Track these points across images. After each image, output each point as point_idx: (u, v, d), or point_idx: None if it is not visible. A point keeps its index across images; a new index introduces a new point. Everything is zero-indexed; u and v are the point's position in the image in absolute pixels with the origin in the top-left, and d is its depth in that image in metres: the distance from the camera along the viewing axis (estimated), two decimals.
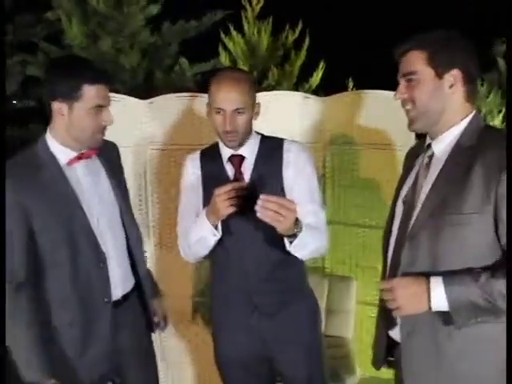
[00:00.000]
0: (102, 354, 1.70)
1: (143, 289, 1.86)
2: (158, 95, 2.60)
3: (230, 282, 1.81)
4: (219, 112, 1.69)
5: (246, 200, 1.62)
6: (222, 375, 1.92)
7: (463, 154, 1.39)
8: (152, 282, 1.98)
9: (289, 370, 1.83)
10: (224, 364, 1.88)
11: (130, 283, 1.81)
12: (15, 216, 1.57)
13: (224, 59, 3.92)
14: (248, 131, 1.76)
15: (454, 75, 1.41)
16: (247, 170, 1.78)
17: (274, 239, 1.71)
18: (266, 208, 1.51)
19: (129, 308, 1.79)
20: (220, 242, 1.75)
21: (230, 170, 1.79)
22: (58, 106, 1.60)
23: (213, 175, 1.79)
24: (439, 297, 1.32)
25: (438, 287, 1.32)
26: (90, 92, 1.58)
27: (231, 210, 1.60)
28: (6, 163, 1.57)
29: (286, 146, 1.81)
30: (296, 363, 1.81)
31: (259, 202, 1.50)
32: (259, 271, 1.76)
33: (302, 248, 1.66)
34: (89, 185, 1.70)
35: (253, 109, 1.75)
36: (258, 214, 1.52)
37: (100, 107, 1.62)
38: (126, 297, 1.79)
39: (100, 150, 1.75)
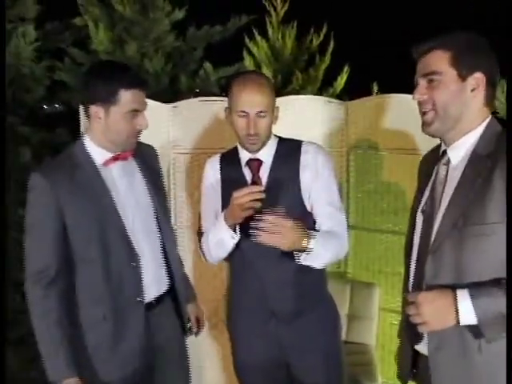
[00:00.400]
0: (133, 350, 1.71)
1: (177, 292, 1.86)
2: (182, 99, 2.62)
3: (247, 287, 1.80)
4: (242, 115, 1.69)
5: (263, 203, 1.63)
6: (239, 380, 1.92)
7: (482, 162, 1.34)
8: (187, 286, 1.98)
9: (307, 377, 1.81)
10: (242, 369, 1.88)
11: (163, 285, 1.82)
12: (50, 212, 1.61)
13: (248, 64, 3.92)
14: (268, 135, 1.76)
15: (477, 78, 1.37)
16: (265, 173, 1.78)
17: None
18: (260, 230, 1.54)
19: (162, 310, 1.80)
20: (238, 245, 1.75)
21: (248, 174, 1.79)
22: (95, 110, 1.64)
23: (231, 179, 1.80)
24: (467, 310, 1.27)
25: (464, 300, 1.27)
26: (126, 97, 1.62)
27: (248, 213, 1.61)
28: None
29: (303, 148, 1.80)
30: (314, 370, 1.79)
31: (253, 225, 1.55)
32: (276, 276, 1.75)
33: (315, 259, 1.66)
34: (124, 186, 1.73)
35: (273, 112, 1.75)
36: (256, 239, 1.56)
37: (135, 111, 1.66)
38: (159, 299, 1.79)
39: (137, 152, 1.79)
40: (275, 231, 1.55)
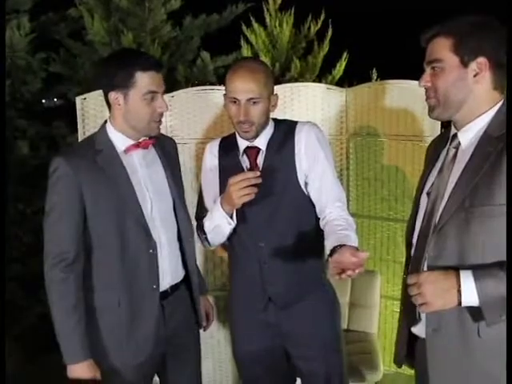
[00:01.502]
0: (147, 338, 1.72)
1: (191, 282, 1.87)
2: (179, 89, 2.60)
3: (245, 273, 1.80)
4: (234, 102, 1.68)
5: (260, 190, 1.62)
6: (239, 370, 1.91)
7: (492, 144, 1.33)
8: (199, 278, 1.97)
9: (306, 364, 1.80)
10: (242, 358, 1.87)
11: (179, 274, 1.83)
12: (72, 197, 1.62)
13: (246, 52, 3.89)
14: (263, 122, 1.74)
15: (479, 63, 1.35)
16: (261, 161, 1.76)
17: (289, 229, 1.69)
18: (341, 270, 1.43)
19: (177, 299, 1.81)
20: (235, 230, 1.75)
21: (245, 161, 1.78)
22: (114, 97, 1.65)
23: (229, 165, 1.79)
24: (470, 291, 1.26)
25: (468, 281, 1.26)
26: (143, 79, 1.63)
27: (245, 199, 1.61)
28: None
29: (297, 128, 1.77)
30: (313, 356, 1.79)
31: (333, 270, 1.45)
32: (273, 261, 1.74)
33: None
34: (145, 173, 1.75)
35: (269, 100, 1.72)
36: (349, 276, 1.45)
37: (154, 93, 1.66)
38: (174, 288, 1.80)
39: (158, 143, 1.80)
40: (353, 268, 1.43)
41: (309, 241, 1.76)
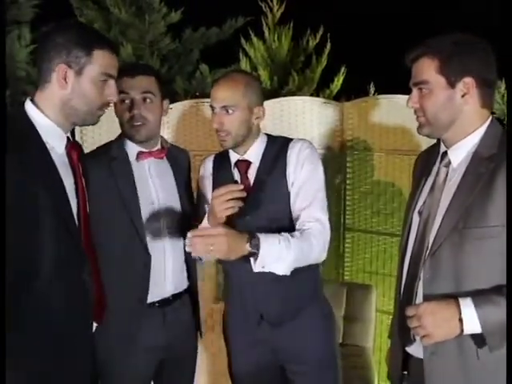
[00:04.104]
0: (147, 346, 1.75)
1: (194, 292, 1.89)
2: (178, 101, 2.62)
3: (237, 289, 1.79)
4: (212, 110, 1.69)
5: (247, 203, 1.61)
6: None
7: (483, 165, 1.32)
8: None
9: (301, 381, 1.79)
10: (236, 374, 1.86)
11: (182, 284, 1.84)
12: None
13: (244, 65, 3.92)
14: (244, 133, 1.71)
15: (466, 83, 1.34)
16: (253, 174, 1.75)
17: None
18: (192, 244, 1.48)
19: (178, 308, 1.82)
20: None
21: (237, 175, 1.77)
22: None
23: (222, 179, 1.77)
24: (471, 319, 1.24)
25: (468, 309, 1.24)
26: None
27: (227, 212, 1.57)
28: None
29: (291, 144, 1.74)
30: (308, 373, 1.77)
31: (186, 242, 1.50)
32: (264, 278, 1.71)
33: (267, 264, 1.54)
34: (156, 183, 1.78)
35: (250, 111, 1.69)
36: (193, 255, 1.52)
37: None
38: (176, 297, 1.82)
39: (171, 154, 1.84)
40: (207, 242, 1.47)
41: None
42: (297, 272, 1.68)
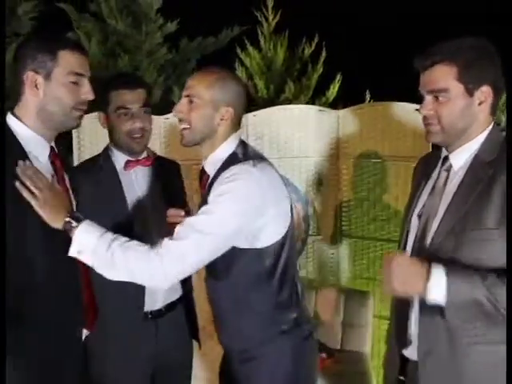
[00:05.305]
0: (141, 356, 1.77)
1: (190, 300, 1.89)
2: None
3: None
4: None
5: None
6: None
7: (484, 169, 1.34)
8: None
9: None
10: None
11: (174, 293, 1.84)
12: None
13: (241, 74, 3.94)
14: (203, 130, 1.52)
15: (484, 92, 1.34)
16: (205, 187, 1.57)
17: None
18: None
19: (171, 319, 1.83)
20: None
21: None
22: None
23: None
24: (438, 286, 1.25)
25: (439, 276, 1.26)
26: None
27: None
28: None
29: (225, 171, 1.48)
30: None
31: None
32: (219, 307, 1.61)
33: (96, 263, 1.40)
34: (142, 194, 1.81)
35: (214, 108, 1.51)
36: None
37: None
38: (169, 307, 1.83)
39: (159, 163, 1.88)
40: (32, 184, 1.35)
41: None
42: (249, 300, 1.53)
